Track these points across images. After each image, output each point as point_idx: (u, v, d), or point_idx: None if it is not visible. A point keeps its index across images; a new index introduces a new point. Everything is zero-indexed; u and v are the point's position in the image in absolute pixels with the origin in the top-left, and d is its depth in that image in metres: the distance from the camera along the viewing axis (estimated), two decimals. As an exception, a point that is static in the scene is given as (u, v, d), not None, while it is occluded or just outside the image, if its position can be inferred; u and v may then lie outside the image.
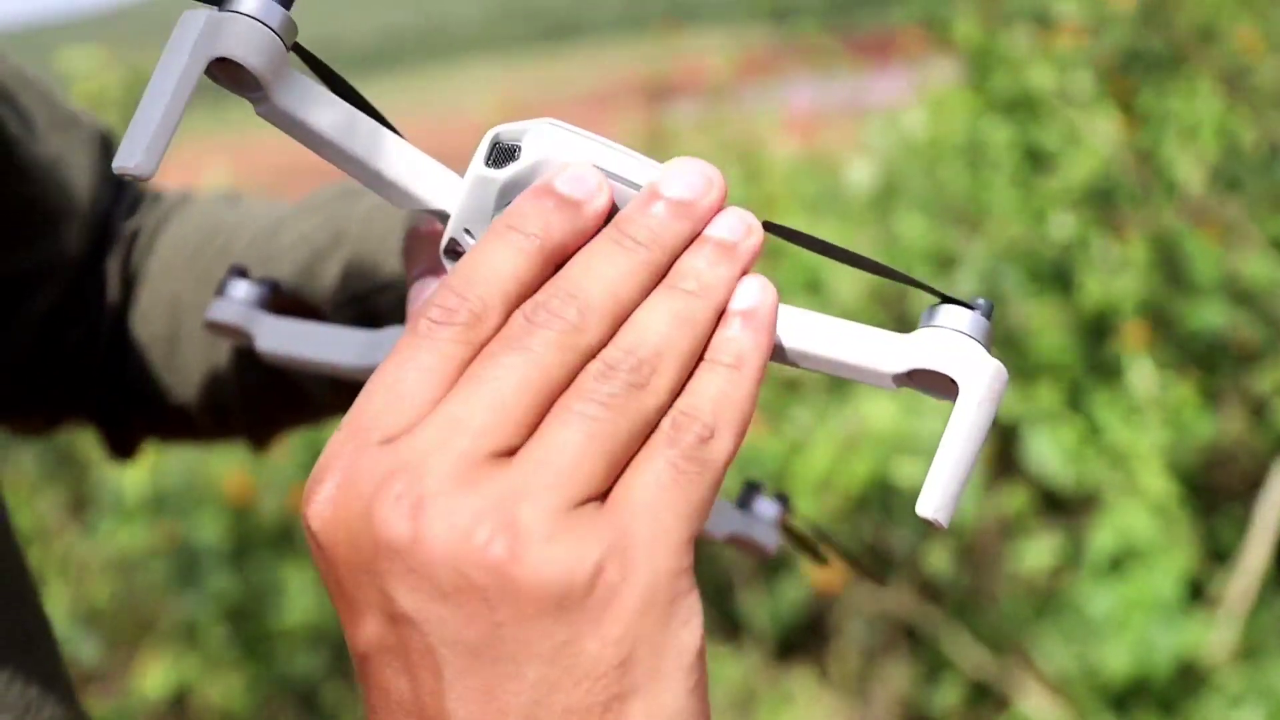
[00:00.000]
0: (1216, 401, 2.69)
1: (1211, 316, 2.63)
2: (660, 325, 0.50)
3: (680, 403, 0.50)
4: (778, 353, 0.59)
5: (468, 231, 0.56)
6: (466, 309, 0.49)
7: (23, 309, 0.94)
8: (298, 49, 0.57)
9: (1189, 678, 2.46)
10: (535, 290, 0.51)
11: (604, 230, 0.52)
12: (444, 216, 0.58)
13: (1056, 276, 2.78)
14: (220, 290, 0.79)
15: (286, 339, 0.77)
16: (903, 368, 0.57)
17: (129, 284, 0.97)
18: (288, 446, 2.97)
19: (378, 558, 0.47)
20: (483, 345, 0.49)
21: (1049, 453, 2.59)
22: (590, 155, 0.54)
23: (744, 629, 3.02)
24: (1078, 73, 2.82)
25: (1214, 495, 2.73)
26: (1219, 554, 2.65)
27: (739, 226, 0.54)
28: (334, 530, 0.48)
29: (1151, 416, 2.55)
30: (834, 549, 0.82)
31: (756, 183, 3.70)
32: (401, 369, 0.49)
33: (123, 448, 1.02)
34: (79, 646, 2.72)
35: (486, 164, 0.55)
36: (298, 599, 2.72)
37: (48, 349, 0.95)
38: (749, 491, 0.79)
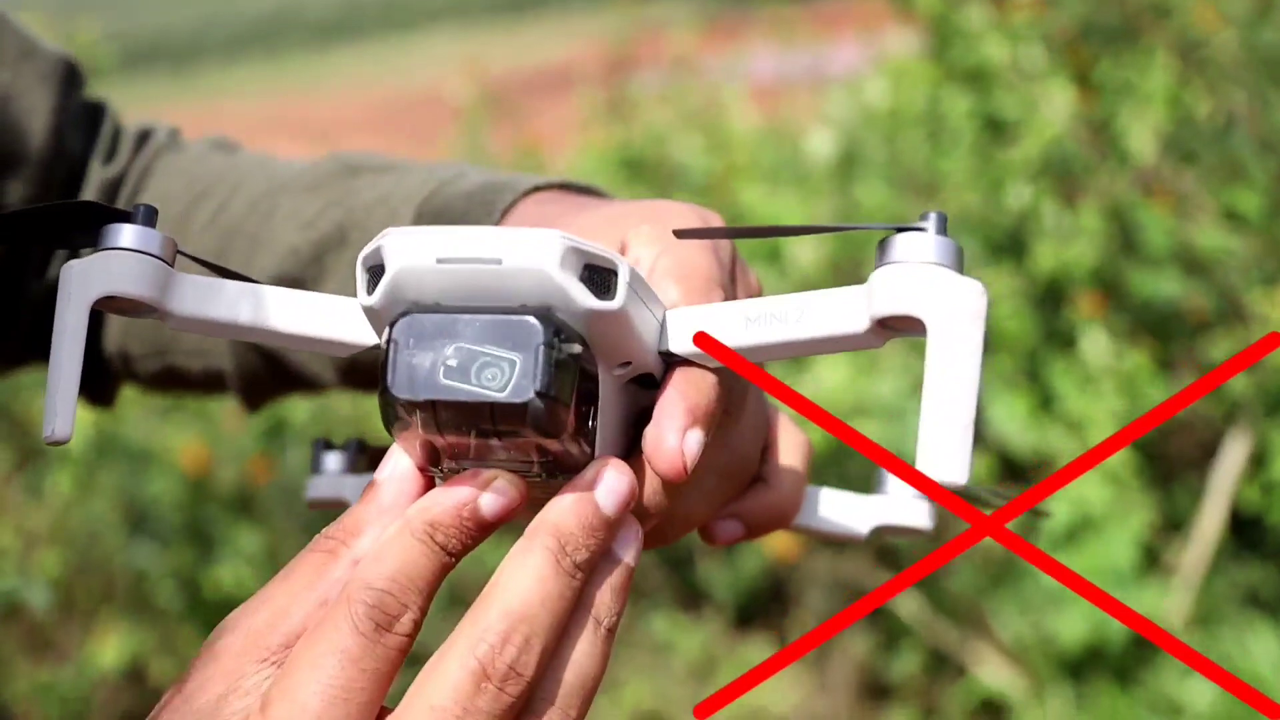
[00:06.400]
0: (1170, 370, 2.71)
1: (1165, 286, 2.64)
2: (594, 668, 0.53)
3: None
4: (752, 353, 0.57)
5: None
6: (409, 619, 0.51)
7: None
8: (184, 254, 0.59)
9: (1143, 645, 2.48)
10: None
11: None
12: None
13: (1012, 246, 2.79)
14: (315, 468, 0.78)
15: None
16: (866, 325, 0.53)
17: None
18: (245, 418, 2.96)
19: None
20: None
21: (1006, 420, 2.61)
22: (438, 246, 0.51)
23: (704, 598, 3.03)
24: (1034, 44, 2.83)
25: (1169, 464, 2.75)
26: (1174, 522, 2.67)
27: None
28: None
29: (1106, 385, 2.57)
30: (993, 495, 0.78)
31: (719, 153, 3.70)
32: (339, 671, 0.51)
33: (99, 396, 0.99)
34: (30, 596, 2.69)
35: (367, 293, 0.54)
36: (253, 568, 2.72)
37: (6, 296, 0.92)
38: (880, 475, 0.74)
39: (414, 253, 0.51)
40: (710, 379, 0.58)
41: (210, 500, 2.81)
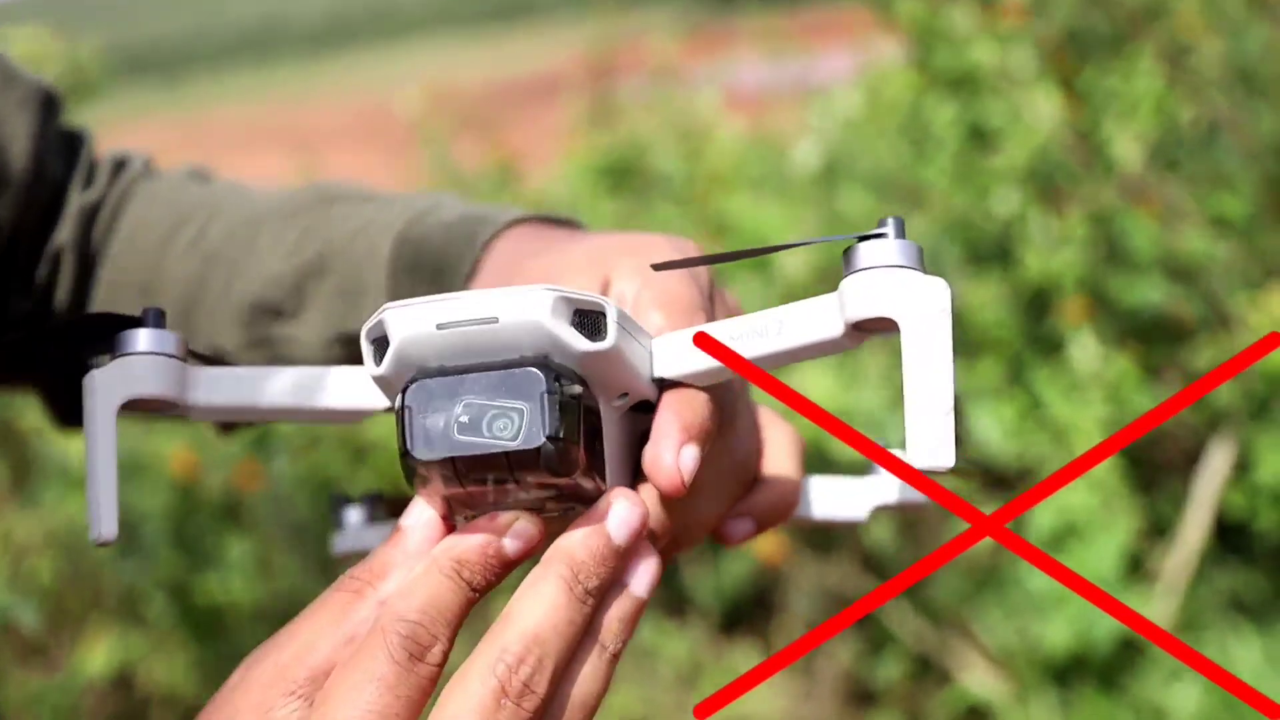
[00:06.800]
0: (1155, 377, 2.71)
1: (1150, 293, 2.65)
2: (597, 687, 0.57)
3: None
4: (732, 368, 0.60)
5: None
6: (439, 650, 0.55)
7: None
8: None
9: (1128, 652, 2.48)
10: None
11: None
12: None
13: (998, 253, 2.79)
14: (337, 523, 0.81)
15: None
16: (842, 329, 0.56)
17: (88, 262, 0.94)
18: (232, 424, 2.96)
19: None
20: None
21: (990, 427, 2.61)
22: (437, 314, 0.55)
23: (689, 604, 3.03)
24: (1019, 51, 2.84)
25: (1153, 470, 2.76)
26: (1158, 529, 2.67)
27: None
28: None
29: (1092, 392, 2.57)
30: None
31: (702, 162, 3.70)
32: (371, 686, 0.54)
33: (70, 416, 0.99)
34: (20, 614, 2.71)
35: (375, 364, 0.57)
36: (242, 575, 2.72)
37: None
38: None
39: (414, 323, 0.55)
40: (702, 397, 0.62)
41: (199, 508, 2.82)
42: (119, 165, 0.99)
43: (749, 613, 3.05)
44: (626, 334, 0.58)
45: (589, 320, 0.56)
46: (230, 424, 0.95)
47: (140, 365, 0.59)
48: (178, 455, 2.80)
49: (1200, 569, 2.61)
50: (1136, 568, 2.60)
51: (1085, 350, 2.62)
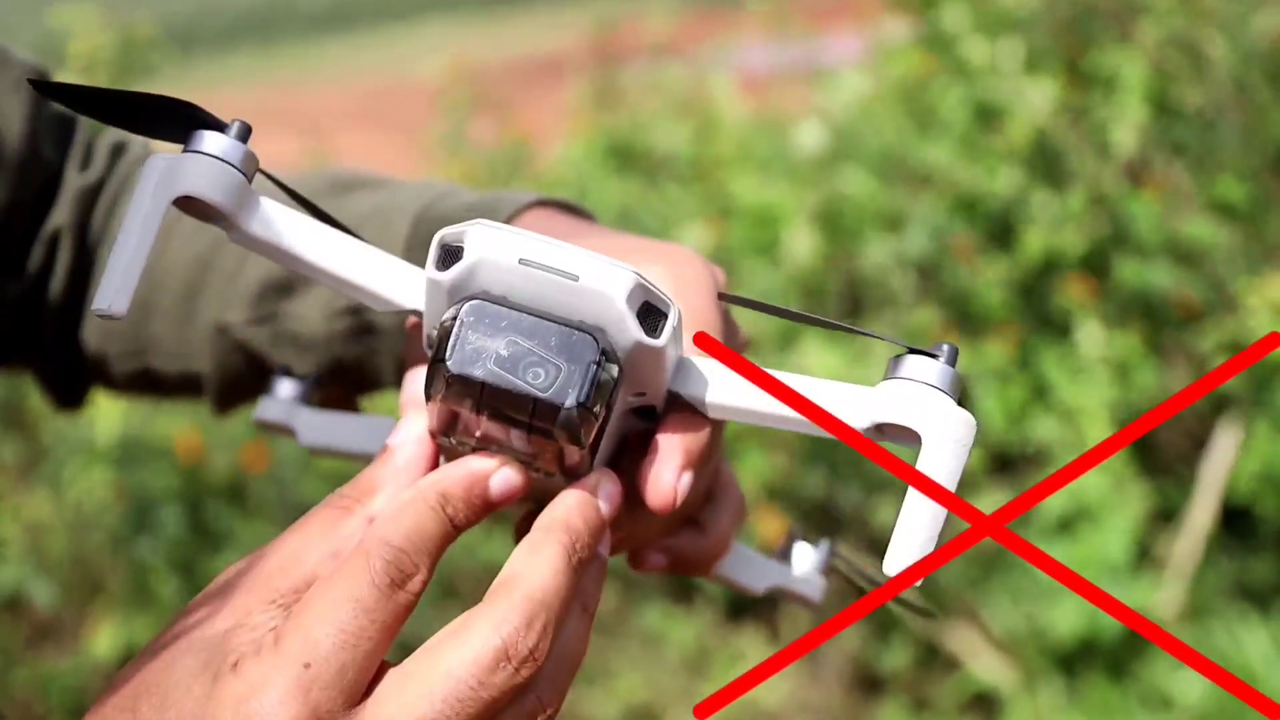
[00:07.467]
0: (1161, 361, 2.71)
1: (1156, 276, 2.64)
2: (581, 648, 0.58)
3: None
4: (747, 417, 0.63)
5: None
6: (419, 579, 0.55)
7: None
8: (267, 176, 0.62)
9: (1135, 638, 2.48)
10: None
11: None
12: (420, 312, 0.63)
13: (1002, 233, 2.79)
14: (268, 390, 0.80)
15: (325, 432, 0.79)
16: (867, 423, 0.59)
17: (88, 245, 0.93)
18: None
19: None
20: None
21: (995, 411, 2.60)
22: (523, 247, 0.56)
23: (696, 589, 3.03)
24: (1022, 33, 2.83)
25: (1160, 455, 2.75)
26: (1165, 514, 2.67)
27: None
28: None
29: (1098, 374, 2.57)
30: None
31: (708, 143, 3.70)
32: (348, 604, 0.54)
33: (68, 399, 0.99)
34: (35, 591, 2.72)
35: (436, 268, 0.58)
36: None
37: None
38: (790, 541, 0.80)
39: (499, 248, 0.56)
40: (706, 428, 0.65)
41: (205, 490, 2.81)
42: (118, 149, 0.98)
43: (755, 599, 3.04)
44: (673, 340, 0.59)
45: (651, 316, 0.58)
46: (227, 402, 0.94)
47: (210, 167, 0.58)
48: (182, 438, 2.80)
49: (1207, 555, 2.61)
50: (1145, 554, 2.60)
51: (1092, 333, 2.61)
